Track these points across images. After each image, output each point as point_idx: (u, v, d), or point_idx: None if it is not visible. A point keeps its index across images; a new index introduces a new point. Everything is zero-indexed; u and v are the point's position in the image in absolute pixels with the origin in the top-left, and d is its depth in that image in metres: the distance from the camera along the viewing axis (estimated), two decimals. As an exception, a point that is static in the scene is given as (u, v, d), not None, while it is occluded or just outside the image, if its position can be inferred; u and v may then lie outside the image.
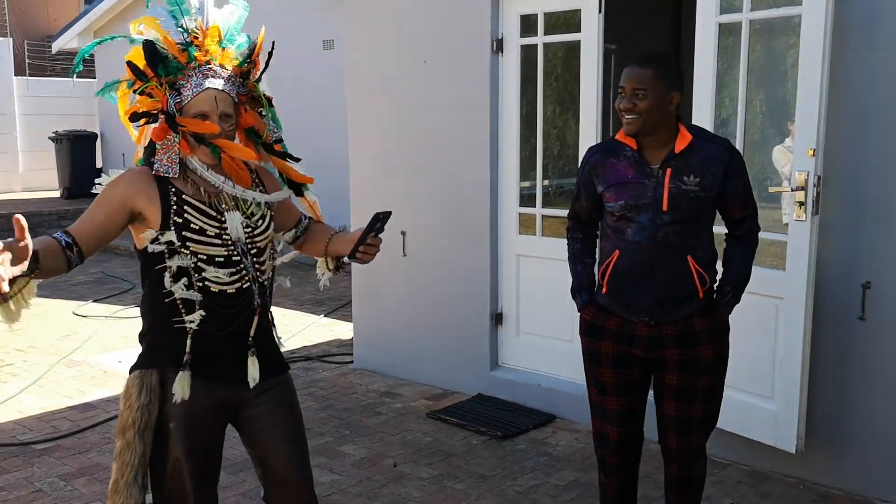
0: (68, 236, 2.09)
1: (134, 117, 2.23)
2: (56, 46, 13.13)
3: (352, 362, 5.44)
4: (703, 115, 3.62)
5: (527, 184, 4.70)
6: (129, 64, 2.23)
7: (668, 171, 2.52)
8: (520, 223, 4.66)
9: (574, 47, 4.37)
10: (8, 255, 1.80)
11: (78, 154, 12.73)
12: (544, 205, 4.60)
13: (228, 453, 3.94)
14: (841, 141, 3.37)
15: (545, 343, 4.60)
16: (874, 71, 3.31)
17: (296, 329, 6.35)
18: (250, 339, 2.25)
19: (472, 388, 4.80)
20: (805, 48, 3.26)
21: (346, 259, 2.42)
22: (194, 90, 2.19)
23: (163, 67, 2.20)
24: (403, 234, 4.98)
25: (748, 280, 2.69)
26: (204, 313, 2.17)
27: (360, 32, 5.19)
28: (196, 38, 2.25)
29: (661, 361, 2.64)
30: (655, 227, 2.53)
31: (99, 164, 13.26)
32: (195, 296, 2.17)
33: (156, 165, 2.17)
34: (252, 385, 2.27)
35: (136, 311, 2.12)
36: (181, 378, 2.17)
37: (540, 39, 4.46)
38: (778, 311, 3.44)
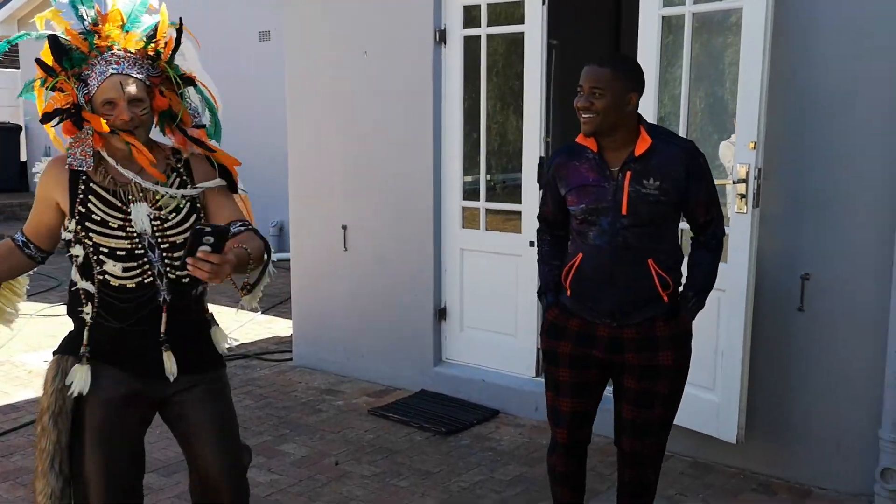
0: (23, 235, 2.29)
1: (46, 117, 2.23)
2: (-23, 34, 12.61)
3: (291, 360, 5.32)
4: (645, 111, 3.61)
5: (469, 178, 4.66)
6: (38, 61, 2.23)
7: (628, 174, 2.48)
8: (463, 217, 4.62)
9: (516, 41, 4.35)
10: None
11: (1, 147, 12.24)
12: (488, 199, 4.57)
13: (161, 454, 3.82)
14: (782, 134, 3.41)
15: (489, 338, 4.57)
16: (815, 63, 3.36)
17: (232, 326, 6.18)
18: (161, 335, 2.21)
19: (416, 384, 4.73)
20: (746, 41, 3.29)
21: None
22: (99, 78, 2.18)
23: (67, 60, 2.20)
24: (345, 228, 4.88)
25: (712, 286, 2.66)
26: (97, 304, 2.19)
27: (299, 23, 5.08)
28: (95, 25, 2.25)
29: (620, 365, 2.61)
30: (615, 230, 2.50)
31: (23, 158, 12.79)
32: (89, 286, 2.19)
33: (69, 159, 2.19)
34: (172, 381, 2.24)
35: (63, 309, 2.10)
36: (76, 370, 2.19)
37: (483, 31, 4.43)
38: (720, 304, 3.47)
